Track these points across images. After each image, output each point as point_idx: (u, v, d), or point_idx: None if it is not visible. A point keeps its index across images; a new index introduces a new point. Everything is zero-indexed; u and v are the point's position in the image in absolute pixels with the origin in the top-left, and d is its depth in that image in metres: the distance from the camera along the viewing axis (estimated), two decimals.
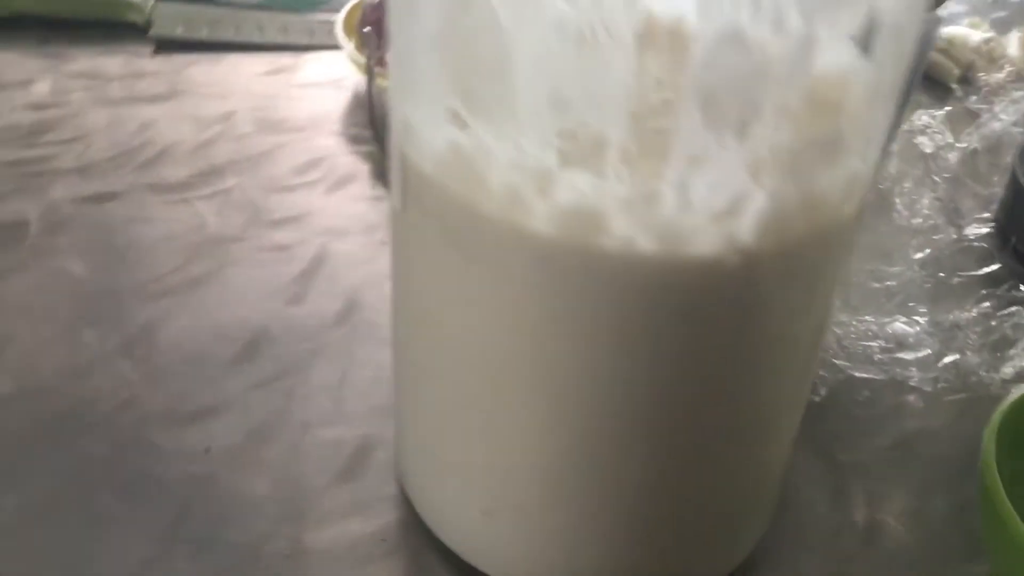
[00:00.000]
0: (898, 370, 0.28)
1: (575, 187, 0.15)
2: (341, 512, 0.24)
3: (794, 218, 0.16)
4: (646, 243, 0.16)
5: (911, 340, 0.29)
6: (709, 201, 0.15)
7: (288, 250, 0.32)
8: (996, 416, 0.22)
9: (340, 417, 0.26)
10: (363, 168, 0.36)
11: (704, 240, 0.16)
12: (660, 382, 0.17)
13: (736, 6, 0.14)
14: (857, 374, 0.28)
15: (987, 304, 0.30)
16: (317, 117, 0.39)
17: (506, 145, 0.16)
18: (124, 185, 0.34)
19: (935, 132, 0.34)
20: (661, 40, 0.14)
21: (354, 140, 0.38)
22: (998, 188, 0.36)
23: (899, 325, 0.29)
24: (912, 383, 0.28)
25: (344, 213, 0.34)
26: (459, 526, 0.22)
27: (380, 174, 0.36)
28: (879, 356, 0.28)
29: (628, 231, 0.16)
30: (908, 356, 0.29)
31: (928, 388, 0.28)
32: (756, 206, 0.16)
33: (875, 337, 0.29)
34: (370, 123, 0.38)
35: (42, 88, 0.39)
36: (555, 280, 0.16)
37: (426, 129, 0.17)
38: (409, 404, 0.22)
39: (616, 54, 0.14)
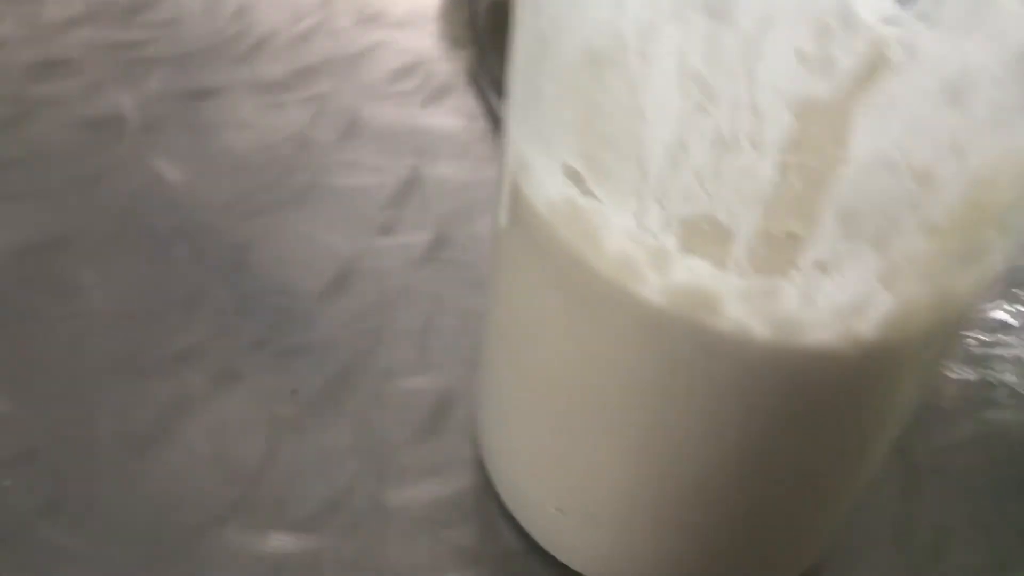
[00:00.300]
0: (991, 365, 0.27)
1: (692, 270, 0.15)
2: (420, 471, 0.24)
3: (922, 314, 0.15)
4: (760, 329, 0.15)
5: (1009, 331, 0.28)
6: (833, 301, 0.15)
7: (380, 171, 0.31)
8: None
9: (423, 366, 0.26)
10: (460, 78, 0.35)
11: (822, 333, 0.15)
12: (754, 445, 0.17)
13: (894, 133, 0.12)
14: (949, 370, 0.27)
15: None
16: (415, 12, 0.37)
17: (626, 218, 0.15)
18: (220, 81, 0.33)
19: None
20: (806, 155, 0.13)
21: (453, 43, 0.36)
22: None
23: (999, 314, 0.28)
24: (1004, 379, 0.27)
25: (437, 130, 0.33)
26: (534, 514, 0.22)
27: (476, 86, 0.34)
28: (975, 350, 0.28)
29: (742, 316, 0.15)
30: (1003, 351, 0.28)
31: (1022, 390, 0.27)
32: (883, 307, 0.15)
33: (972, 325, 0.28)
34: (470, 23, 0.36)
35: None
36: (659, 344, 0.16)
37: (542, 172, 0.16)
38: (493, 396, 0.22)
39: (757, 162, 0.13)
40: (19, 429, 0.24)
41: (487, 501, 0.24)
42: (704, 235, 0.14)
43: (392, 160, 0.32)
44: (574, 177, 0.15)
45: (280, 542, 0.23)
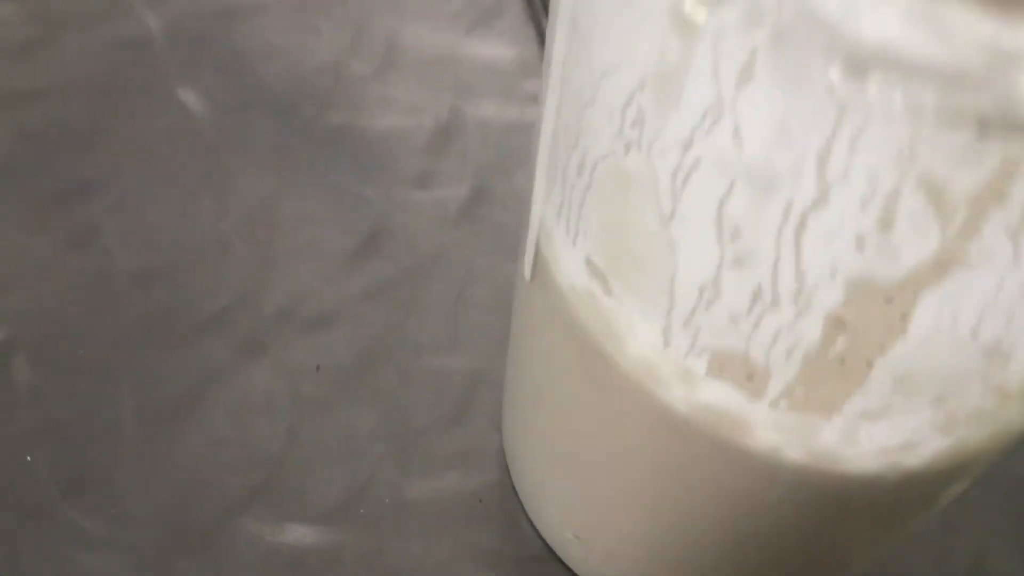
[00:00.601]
0: None
1: (721, 395, 0.13)
2: (443, 462, 0.24)
3: (977, 447, 0.14)
4: (793, 455, 0.14)
5: None
6: (878, 442, 0.13)
7: (418, 111, 0.29)
8: None
9: (453, 343, 0.25)
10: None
11: (863, 463, 0.14)
12: (780, 540, 0.16)
13: (962, 315, 0.11)
14: None
15: None
16: None
17: (650, 330, 0.13)
18: None
19: None
20: (857, 324, 0.11)
21: None
22: None
23: None
24: None
25: (482, 62, 0.30)
26: (553, 533, 0.22)
27: (530, 7, 0.32)
28: None
29: (774, 441, 0.14)
30: None
31: None
32: (934, 445, 0.13)
33: None
34: None
35: None
36: (682, 445, 0.15)
37: (565, 255, 0.14)
38: (516, 420, 0.21)
39: (799, 321, 0.11)
40: (43, 401, 0.24)
41: (508, 498, 0.23)
42: (735, 368, 0.13)
43: (431, 97, 0.30)
44: (598, 275, 0.14)
45: (299, 534, 0.23)
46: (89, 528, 0.22)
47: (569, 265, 0.14)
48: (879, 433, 0.13)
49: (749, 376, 0.13)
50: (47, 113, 0.28)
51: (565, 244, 0.14)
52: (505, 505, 0.23)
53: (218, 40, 0.30)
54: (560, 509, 0.20)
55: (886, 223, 0.10)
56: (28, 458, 0.23)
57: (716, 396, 0.13)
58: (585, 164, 0.13)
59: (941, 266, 0.10)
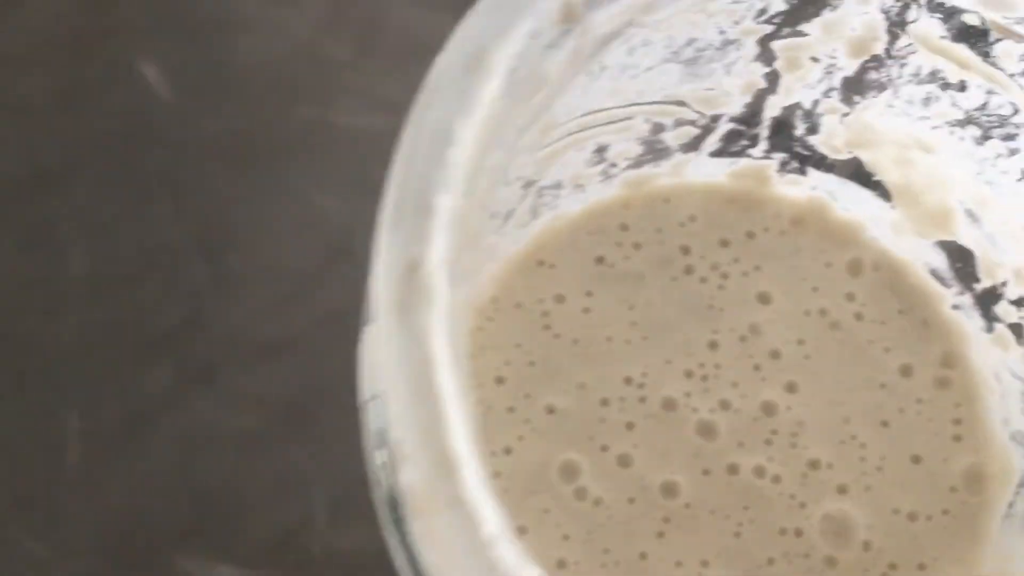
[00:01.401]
0: None
1: None
2: (374, 515, 0.24)
3: None
4: None
5: None
6: None
7: (392, 107, 0.27)
8: None
9: None
10: None
11: None
12: None
13: None
14: None
15: None
16: None
17: None
18: None
19: None
20: None
21: None
22: None
23: None
24: None
25: None
26: None
27: None
28: None
29: None
30: None
31: None
32: None
33: None
34: None
35: None
36: None
37: None
38: None
39: None
40: None
41: None
42: None
43: (408, 92, 0.28)
44: None
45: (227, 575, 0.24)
46: (35, 549, 0.24)
47: None
48: None
49: None
50: (7, 86, 0.27)
51: None
52: None
53: (190, 6, 0.28)
54: None
55: None
56: None
57: None
58: None
59: None
